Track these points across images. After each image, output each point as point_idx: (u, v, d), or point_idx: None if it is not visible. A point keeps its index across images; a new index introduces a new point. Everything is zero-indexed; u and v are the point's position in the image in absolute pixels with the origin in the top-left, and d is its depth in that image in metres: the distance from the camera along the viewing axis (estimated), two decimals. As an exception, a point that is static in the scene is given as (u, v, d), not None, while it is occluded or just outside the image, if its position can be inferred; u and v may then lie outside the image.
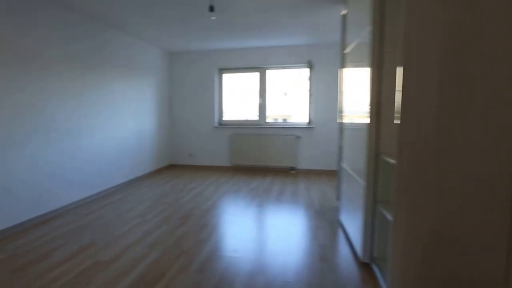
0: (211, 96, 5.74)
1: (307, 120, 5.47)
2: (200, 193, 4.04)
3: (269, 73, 5.58)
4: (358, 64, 2.46)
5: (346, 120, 2.92)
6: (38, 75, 3.04)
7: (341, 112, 3.25)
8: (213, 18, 3.55)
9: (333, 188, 4.31)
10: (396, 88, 1.73)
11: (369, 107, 2.06)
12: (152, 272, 2.08)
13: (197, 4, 3.26)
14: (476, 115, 1.58)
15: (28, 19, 2.92)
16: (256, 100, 5.64)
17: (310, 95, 5.31)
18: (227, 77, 5.83)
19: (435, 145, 1.61)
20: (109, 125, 4.14)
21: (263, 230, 2.84)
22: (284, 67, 5.52)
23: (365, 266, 2.16)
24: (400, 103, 1.61)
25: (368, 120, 2.08)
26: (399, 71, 1.66)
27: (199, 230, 2.82)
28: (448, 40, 1.57)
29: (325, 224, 3.00)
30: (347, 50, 2.87)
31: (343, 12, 3.11)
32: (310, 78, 5.31)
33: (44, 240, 2.61)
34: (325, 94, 5.25)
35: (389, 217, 1.79)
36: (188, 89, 5.83)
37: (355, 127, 2.48)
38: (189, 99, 5.84)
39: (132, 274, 2.06)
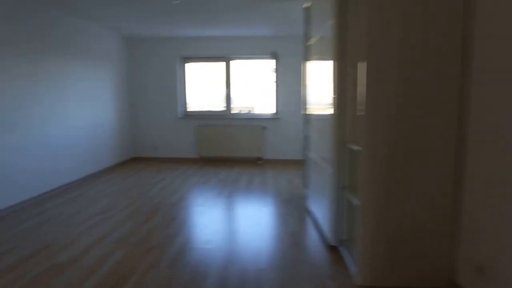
0: (175, 86, 5.55)
1: (273, 111, 5.52)
2: (167, 186, 3.94)
3: (234, 63, 5.52)
4: (321, 56, 2.52)
5: (311, 111, 2.99)
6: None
7: (305, 103, 3.33)
8: (177, 1, 3.39)
9: (300, 177, 4.43)
10: (359, 82, 1.81)
11: (333, 98, 2.13)
12: (119, 271, 1.99)
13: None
14: (428, 108, 1.71)
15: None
16: (222, 90, 5.57)
17: (276, 86, 5.35)
18: (191, 67, 5.66)
19: (395, 136, 1.72)
20: (60, 116, 3.84)
21: (234, 220, 2.85)
22: (249, 58, 5.49)
23: (333, 249, 2.27)
24: (364, 96, 1.70)
25: (332, 111, 2.15)
26: (361, 66, 1.74)
27: (168, 224, 2.75)
28: (403, 33, 1.67)
29: (294, 211, 3.08)
30: (311, 43, 2.92)
31: (306, 5, 3.15)
32: (276, 70, 5.35)
33: (-7, 244, 2.37)
34: (290, 85, 5.32)
35: (355, 201, 1.88)
36: (150, 78, 5.58)
37: (321, 118, 2.55)
38: (151, 89, 5.60)
39: (96, 274, 1.95)
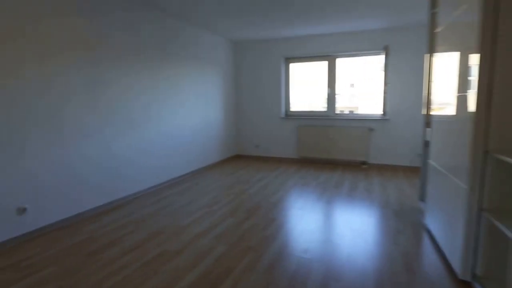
0: (278, 86, 5.60)
1: (380, 111, 4.96)
2: (267, 185, 3.97)
3: (339, 61, 5.18)
4: (454, 46, 2.05)
5: (436, 111, 2.49)
6: (115, 71, 3.28)
7: (427, 103, 2.81)
8: None
9: (414, 187, 3.83)
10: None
11: (476, 95, 1.67)
12: (218, 268, 2.04)
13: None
14: None
15: (109, 19, 3.14)
16: (325, 90, 5.31)
17: (385, 84, 4.77)
18: (294, 67, 5.61)
19: None
20: (178, 115, 4.31)
21: (335, 230, 2.62)
22: (356, 55, 5.07)
23: (463, 285, 1.81)
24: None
25: (471, 111, 1.70)
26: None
27: (267, 225, 2.73)
28: None
29: (406, 227, 2.64)
30: (438, 30, 2.42)
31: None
32: (386, 66, 4.76)
33: (116, 225, 2.77)
34: (402, 83, 4.68)
35: (508, 232, 1.42)
36: (254, 79, 5.78)
37: (451, 120, 2.08)
38: (255, 90, 5.79)
39: (198, 268, 2.04)
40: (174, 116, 4.20)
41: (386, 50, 4.15)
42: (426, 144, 2.85)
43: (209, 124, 5.08)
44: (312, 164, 5.28)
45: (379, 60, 4.86)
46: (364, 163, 5.09)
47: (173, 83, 4.17)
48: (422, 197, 3.03)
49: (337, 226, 2.69)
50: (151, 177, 3.83)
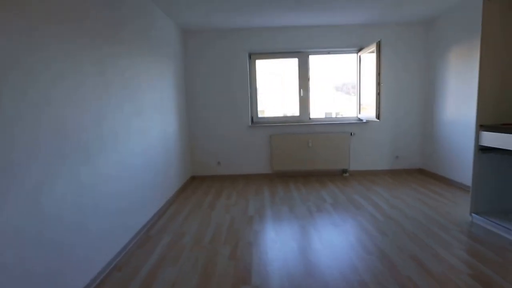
0: (243, 88, 4.59)
1: (372, 115, 4.45)
2: (232, 221, 2.99)
3: (313, 59, 4.62)
4: None
5: None
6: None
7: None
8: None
9: (437, 198, 3.59)
10: None
11: None
12: None
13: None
14: None
15: None
16: (298, 92, 4.66)
17: (379, 84, 4.01)
18: (261, 64, 4.71)
19: None
20: (134, 131, 2.84)
21: None
22: (333, 52, 4.60)
23: None
24: None
25: None
26: None
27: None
28: None
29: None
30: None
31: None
32: (378, 64, 4.03)
33: None
34: (387, 82, 4.46)
35: None
36: (212, 79, 4.58)
37: None
38: (214, 92, 4.60)
39: None
40: (132, 134, 2.71)
41: (379, 46, 3.82)
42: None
43: (167, 140, 3.65)
44: (291, 179, 4.54)
45: (370, 58, 4.38)
46: (345, 171, 4.69)
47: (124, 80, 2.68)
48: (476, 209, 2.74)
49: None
50: (106, 245, 2.27)
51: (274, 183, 4.36)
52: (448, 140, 4.04)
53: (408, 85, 4.53)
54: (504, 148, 2.44)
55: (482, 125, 2.66)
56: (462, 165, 3.74)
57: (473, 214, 2.78)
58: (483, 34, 2.60)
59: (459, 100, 3.79)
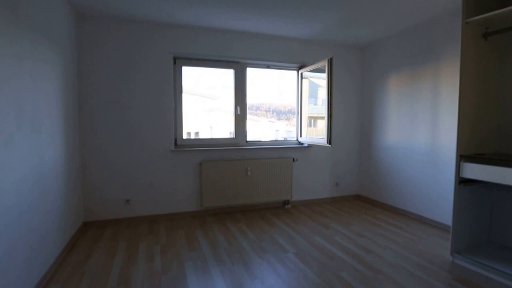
0: (164, 100, 3.47)
1: (323, 139, 4.05)
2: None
3: (251, 72, 3.91)
4: None
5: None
6: None
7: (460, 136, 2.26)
8: None
9: (391, 238, 3.24)
10: None
11: None
12: None
13: None
14: None
15: None
16: (231, 109, 3.83)
17: (330, 105, 3.48)
18: (188, 72, 3.69)
19: None
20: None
21: None
22: (273, 66, 4.00)
23: None
24: None
25: None
26: None
27: None
28: None
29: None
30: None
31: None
32: (330, 83, 3.71)
33: None
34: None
35: None
36: (118, 87, 3.31)
37: None
38: (122, 104, 3.33)
39: None
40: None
41: (330, 64, 3.38)
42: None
43: (42, 173, 2.23)
44: (227, 216, 3.62)
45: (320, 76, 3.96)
46: (286, 202, 4.05)
47: None
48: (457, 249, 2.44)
49: None
50: None
51: (208, 225, 3.35)
52: (386, 166, 3.91)
53: (345, 108, 4.30)
54: (491, 181, 2.19)
55: (463, 155, 2.40)
56: (404, 191, 3.61)
57: (454, 254, 2.47)
58: (462, 57, 2.38)
59: (400, 125, 3.69)
